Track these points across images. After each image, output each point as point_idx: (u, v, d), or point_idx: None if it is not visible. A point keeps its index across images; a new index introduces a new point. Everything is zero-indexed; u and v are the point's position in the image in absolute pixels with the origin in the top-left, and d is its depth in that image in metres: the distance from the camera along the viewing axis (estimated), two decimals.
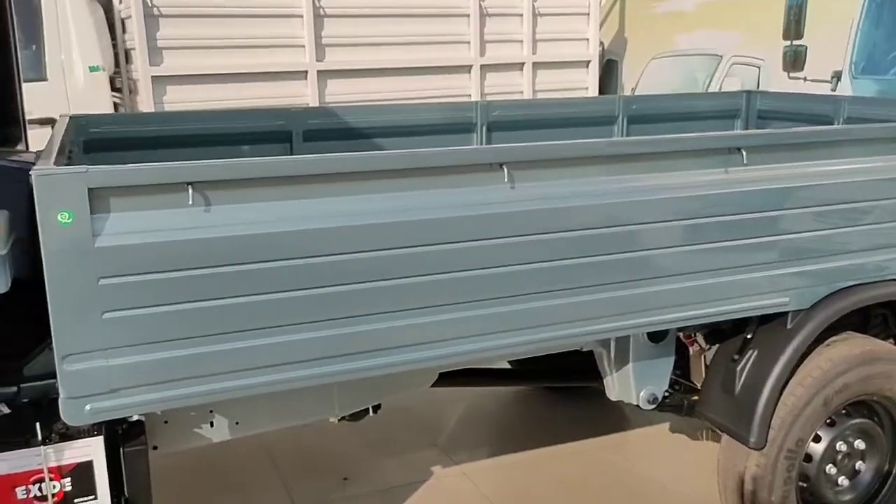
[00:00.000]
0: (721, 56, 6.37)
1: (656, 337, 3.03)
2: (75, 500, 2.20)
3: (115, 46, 5.79)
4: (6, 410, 2.24)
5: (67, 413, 2.00)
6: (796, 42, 5.41)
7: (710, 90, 6.47)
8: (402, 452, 4.11)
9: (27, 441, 2.15)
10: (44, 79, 5.24)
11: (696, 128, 4.73)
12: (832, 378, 2.94)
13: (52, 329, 1.95)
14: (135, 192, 1.98)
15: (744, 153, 2.64)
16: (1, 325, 2.22)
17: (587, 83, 6.89)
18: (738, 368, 2.95)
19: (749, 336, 2.96)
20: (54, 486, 2.17)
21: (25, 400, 2.27)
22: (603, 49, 7.39)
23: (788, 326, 2.87)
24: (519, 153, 2.40)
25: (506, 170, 2.34)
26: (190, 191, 2.00)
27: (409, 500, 3.70)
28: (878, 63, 5.17)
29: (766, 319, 2.93)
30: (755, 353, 2.93)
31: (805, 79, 5.59)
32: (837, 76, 5.38)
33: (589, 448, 4.17)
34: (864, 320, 3.39)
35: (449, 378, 3.22)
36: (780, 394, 2.88)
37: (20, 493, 2.15)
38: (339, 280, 2.17)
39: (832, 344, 3.02)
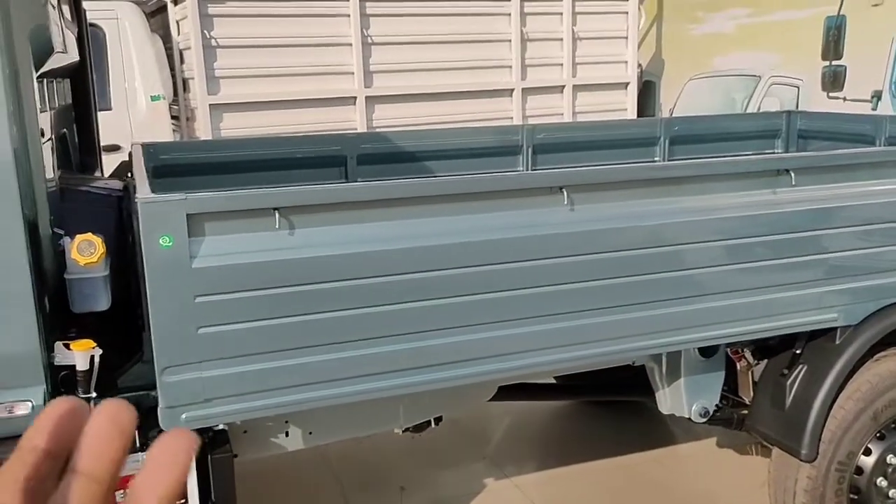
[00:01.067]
0: (759, 76, 6.46)
1: (707, 352, 3.13)
2: None
3: (173, 76, 6.06)
4: None
5: (166, 421, 2.17)
6: (835, 62, 5.48)
7: (749, 110, 6.55)
8: (454, 464, 4.24)
9: None
10: (109, 108, 5.50)
11: (737, 148, 4.83)
12: (881, 393, 3.01)
13: (153, 343, 2.12)
14: (227, 217, 2.16)
15: (792, 175, 2.75)
16: (101, 344, 2.40)
17: (626, 104, 7.01)
18: (788, 383, 3.03)
19: (798, 351, 3.05)
20: None
21: None
22: (641, 70, 7.51)
23: (837, 342, 2.96)
24: (577, 177, 2.54)
25: (565, 193, 2.48)
26: (276, 215, 2.17)
27: None
28: None
29: (815, 335, 3.02)
30: (805, 368, 3.01)
31: (844, 98, 5.66)
32: (878, 95, 5.44)
33: (636, 462, 4.25)
34: None
35: (505, 392, 3.35)
36: (831, 408, 2.96)
37: (119, 496, 2.32)
38: (408, 298, 2.32)
39: (880, 360, 3.10)
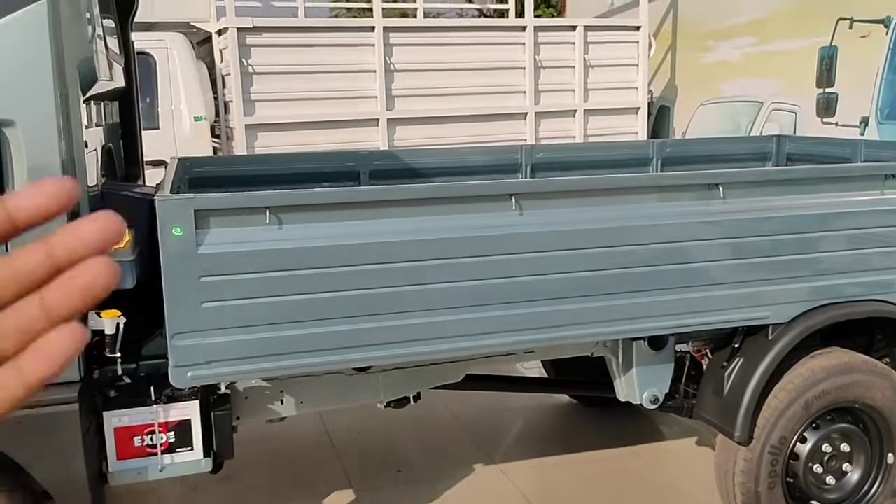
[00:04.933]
0: (762, 102, 6.79)
1: (656, 344, 3.52)
2: (177, 450, 2.87)
3: (216, 99, 6.70)
4: (128, 381, 2.94)
5: (175, 377, 2.68)
6: (828, 90, 5.80)
7: (752, 133, 6.88)
8: (448, 451, 4.66)
9: (143, 402, 2.85)
10: (156, 127, 6.14)
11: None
12: (812, 385, 3.35)
13: (165, 314, 2.64)
14: (228, 214, 2.67)
15: (720, 189, 3.14)
16: (127, 316, 2.93)
17: (636, 128, 7.40)
18: (727, 374, 3.40)
19: (736, 345, 3.42)
20: (162, 438, 2.85)
21: (143, 374, 2.96)
22: (652, 96, 7.89)
23: (769, 337, 3.32)
24: (524, 187, 2.98)
25: (513, 199, 2.93)
26: (267, 213, 2.67)
27: (451, 491, 4.23)
28: None
29: (751, 332, 3.39)
30: (741, 361, 3.38)
31: (836, 124, 5.97)
32: (865, 121, 5.74)
33: (616, 455, 4.61)
34: (869, 341, 3.80)
35: (478, 381, 3.79)
36: (763, 396, 3.31)
37: (137, 441, 2.84)
38: (377, 285, 2.79)
39: (816, 356, 3.45)
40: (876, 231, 3.38)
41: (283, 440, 4.64)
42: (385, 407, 3.48)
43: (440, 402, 4.98)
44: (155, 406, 2.84)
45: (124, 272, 2.76)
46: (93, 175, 3.30)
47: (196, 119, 6.33)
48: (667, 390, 3.61)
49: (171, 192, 2.85)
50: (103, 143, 3.88)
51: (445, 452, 4.67)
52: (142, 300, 2.90)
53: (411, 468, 4.49)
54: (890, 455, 3.52)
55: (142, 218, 2.99)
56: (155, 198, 2.61)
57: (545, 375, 4.95)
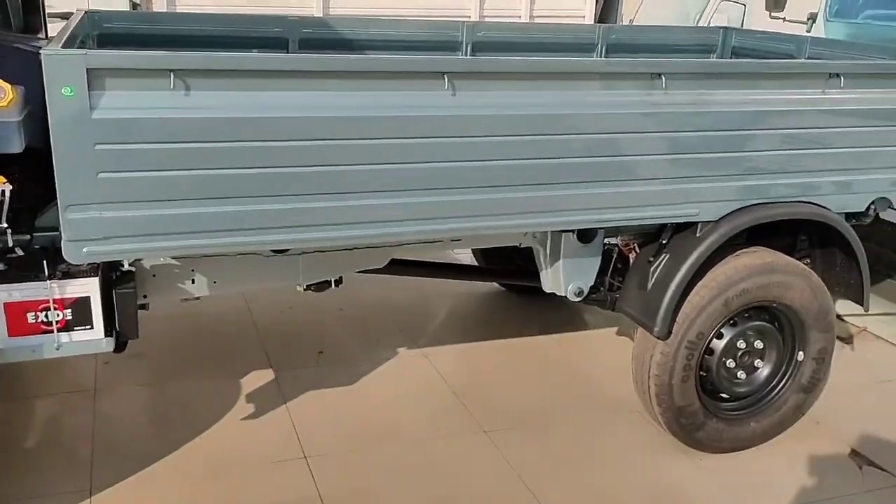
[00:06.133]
0: None
1: (585, 237, 3.45)
2: (75, 328, 2.71)
3: None
4: (20, 253, 2.71)
5: (68, 253, 2.47)
6: None
7: (700, 24, 6.70)
8: (373, 336, 4.63)
9: (36, 276, 2.64)
10: None
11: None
12: (734, 283, 3.36)
13: (56, 184, 2.40)
14: (126, 75, 2.40)
15: (664, 78, 3.00)
16: (17, 184, 2.67)
17: (584, 12, 7.13)
18: (652, 269, 3.38)
19: (664, 241, 3.38)
20: (58, 315, 2.67)
21: (37, 247, 2.73)
22: None
23: (697, 235, 3.29)
24: (458, 65, 2.78)
25: (446, 79, 2.72)
26: (172, 77, 2.41)
27: (372, 374, 4.22)
28: (850, 7, 5.40)
29: (680, 228, 3.35)
30: (668, 257, 3.35)
31: (784, 19, 5.83)
32: (813, 18, 5.62)
33: (544, 343, 4.66)
34: (793, 242, 3.82)
35: (404, 266, 3.69)
36: (686, 292, 3.31)
37: (30, 317, 2.66)
38: (288, 162, 2.57)
39: (741, 255, 3.44)
40: (813, 132, 3.31)
41: (202, 319, 4.52)
42: (304, 290, 3.35)
43: (368, 285, 4.90)
44: (49, 282, 2.64)
45: (10, 134, 2.49)
46: None
47: None
48: (592, 283, 3.58)
49: (64, 46, 2.55)
50: None
51: (371, 336, 4.63)
52: (37, 167, 2.65)
53: (334, 350, 4.45)
54: (800, 353, 3.61)
55: (34, 74, 2.69)
56: (41, 52, 2.32)
57: (476, 263, 4.89)
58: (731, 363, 3.54)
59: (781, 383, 3.67)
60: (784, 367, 3.65)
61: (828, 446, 3.74)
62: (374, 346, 4.50)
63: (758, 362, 3.61)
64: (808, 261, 3.82)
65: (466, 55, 4.73)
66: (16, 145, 2.49)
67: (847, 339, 4.78)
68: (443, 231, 2.94)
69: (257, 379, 4.05)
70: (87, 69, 2.32)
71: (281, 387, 3.99)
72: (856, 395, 4.20)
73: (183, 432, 3.54)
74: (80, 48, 2.87)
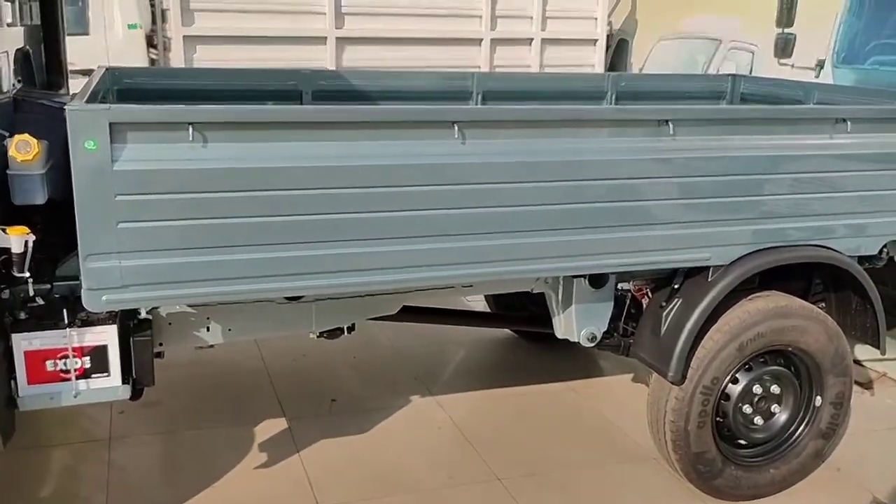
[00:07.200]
0: (720, 40, 6.68)
1: (596, 283, 3.46)
2: (93, 375, 2.74)
3: (152, 6, 6.31)
4: (41, 302, 2.76)
5: (89, 301, 2.52)
6: (787, 30, 5.70)
7: (709, 72, 6.79)
8: (386, 383, 4.62)
9: (56, 325, 2.69)
10: (86, 33, 5.77)
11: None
12: (748, 327, 3.35)
13: (77, 234, 2.46)
14: (147, 128, 2.47)
15: (671, 125, 3.04)
16: (40, 234, 2.74)
17: (594, 61, 7.24)
18: (665, 314, 3.38)
19: (676, 286, 3.38)
20: (76, 363, 2.71)
21: (57, 295, 2.78)
22: (611, 28, 7.71)
23: (709, 279, 3.29)
24: (468, 114, 2.84)
25: (456, 127, 2.78)
26: (191, 129, 2.48)
27: (385, 421, 4.20)
28: (858, 53, 5.47)
29: (692, 273, 3.36)
30: (680, 301, 3.35)
31: (793, 66, 5.90)
32: (821, 64, 5.69)
33: (558, 390, 4.62)
34: (807, 286, 3.81)
35: (415, 313, 3.70)
36: (699, 337, 3.30)
37: (49, 365, 2.69)
38: (304, 210, 2.62)
39: (754, 299, 3.44)
40: (822, 176, 3.34)
41: (216, 366, 4.53)
42: (318, 337, 3.38)
43: (381, 333, 4.91)
44: (69, 329, 2.68)
45: (35, 187, 2.56)
46: (6, 82, 3.04)
47: (130, 27, 5.97)
48: (605, 329, 3.58)
49: (88, 102, 2.63)
50: (22, 45, 3.59)
51: (383, 383, 4.62)
52: (58, 218, 2.71)
53: (347, 397, 4.44)
54: (818, 398, 3.57)
55: (57, 129, 2.77)
56: (65, 107, 2.40)
57: (488, 309, 4.90)
58: (747, 408, 3.51)
59: (800, 429, 3.62)
60: (802, 413, 3.61)
61: (850, 494, 3.67)
62: (388, 393, 4.50)
63: (775, 407, 3.57)
64: (824, 304, 3.81)
65: (477, 105, 4.81)
66: (39, 197, 2.56)
67: (867, 385, 4.72)
68: (455, 277, 2.96)
69: (270, 427, 4.05)
70: (110, 123, 2.39)
71: (294, 435, 3.98)
72: (877, 442, 4.14)
73: (196, 481, 3.53)
74: (102, 103, 2.96)
